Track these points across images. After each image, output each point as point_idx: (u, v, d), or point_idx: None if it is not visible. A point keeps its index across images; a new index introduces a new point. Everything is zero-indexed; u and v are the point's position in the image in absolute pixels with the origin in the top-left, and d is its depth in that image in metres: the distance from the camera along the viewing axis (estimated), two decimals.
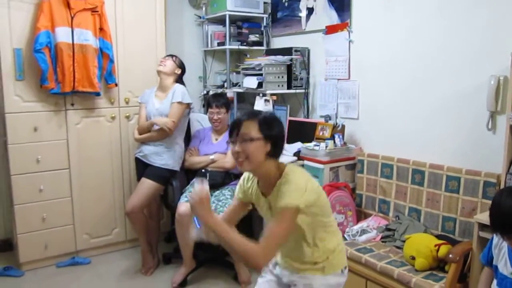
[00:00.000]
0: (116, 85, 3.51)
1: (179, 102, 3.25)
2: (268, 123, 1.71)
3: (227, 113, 3.45)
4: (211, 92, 4.22)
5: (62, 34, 3.17)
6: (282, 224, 1.62)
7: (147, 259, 3.39)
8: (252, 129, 1.69)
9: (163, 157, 3.29)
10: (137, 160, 3.41)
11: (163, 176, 3.29)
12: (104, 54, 3.40)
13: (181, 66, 3.40)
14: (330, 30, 3.55)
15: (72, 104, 3.39)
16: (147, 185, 3.24)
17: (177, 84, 3.36)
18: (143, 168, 3.32)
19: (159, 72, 3.30)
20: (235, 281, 3.22)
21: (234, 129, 1.73)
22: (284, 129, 1.84)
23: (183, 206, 3.03)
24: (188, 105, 3.36)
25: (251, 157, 1.68)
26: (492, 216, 1.87)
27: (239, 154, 1.70)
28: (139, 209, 3.22)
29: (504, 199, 1.81)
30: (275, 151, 1.74)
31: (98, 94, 3.42)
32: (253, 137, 1.68)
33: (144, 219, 3.33)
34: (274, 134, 1.72)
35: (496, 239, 2.00)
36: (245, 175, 1.93)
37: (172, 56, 3.37)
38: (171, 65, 3.31)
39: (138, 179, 3.35)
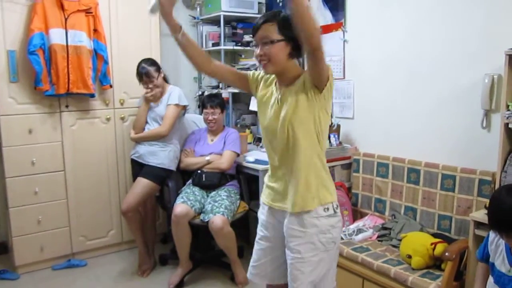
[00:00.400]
0: (111, 86, 3.50)
1: (176, 104, 3.28)
2: (288, 24, 1.67)
3: (222, 113, 3.44)
4: (206, 93, 4.22)
5: (56, 36, 3.15)
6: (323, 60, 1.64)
7: (144, 259, 3.38)
8: (272, 31, 1.70)
9: (159, 156, 3.30)
10: (133, 161, 3.41)
11: (159, 175, 3.29)
12: (99, 56, 3.39)
13: (159, 68, 3.35)
14: (325, 30, 3.56)
15: (67, 106, 3.38)
16: (143, 184, 3.24)
17: (172, 86, 3.38)
18: (139, 169, 3.32)
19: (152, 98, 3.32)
20: (232, 282, 3.21)
21: (256, 32, 1.74)
22: None
23: (179, 207, 3.03)
24: (184, 107, 3.38)
25: (273, 59, 1.71)
26: (490, 214, 1.87)
27: (262, 57, 1.72)
28: (134, 208, 3.21)
29: (503, 196, 1.82)
30: (297, 51, 1.75)
31: (92, 95, 3.40)
32: (274, 39, 1.69)
33: (140, 218, 3.33)
34: (295, 34, 1.66)
35: (492, 235, 2.01)
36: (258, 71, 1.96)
37: (149, 76, 3.24)
38: (158, 82, 3.29)
39: (134, 181, 3.35)
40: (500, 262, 1.94)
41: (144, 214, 3.44)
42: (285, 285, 1.96)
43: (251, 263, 2.03)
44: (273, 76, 1.88)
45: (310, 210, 1.79)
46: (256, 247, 2.01)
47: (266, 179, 1.98)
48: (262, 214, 1.99)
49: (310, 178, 1.79)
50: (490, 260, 2.00)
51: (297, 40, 1.69)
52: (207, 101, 3.41)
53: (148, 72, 3.23)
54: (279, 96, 1.81)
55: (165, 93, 3.34)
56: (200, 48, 2.10)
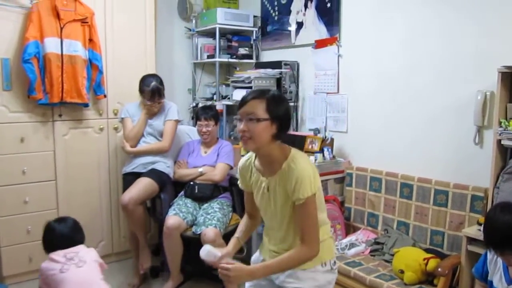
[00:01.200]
0: (105, 96, 3.48)
1: (176, 120, 3.36)
2: (276, 103, 1.68)
3: (216, 125, 3.44)
4: (200, 105, 4.22)
5: (51, 45, 3.14)
6: (310, 215, 1.68)
7: (145, 255, 3.31)
8: (259, 108, 1.67)
9: (159, 164, 3.32)
10: (127, 175, 3.34)
11: (161, 178, 3.26)
12: (93, 65, 3.38)
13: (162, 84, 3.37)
14: (319, 44, 3.59)
15: (60, 115, 3.35)
16: (146, 181, 3.19)
17: (168, 101, 3.41)
18: (134, 180, 3.24)
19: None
20: None
21: (242, 107, 1.71)
22: (290, 110, 1.80)
23: (171, 219, 3.00)
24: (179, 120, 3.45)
25: (256, 137, 1.67)
26: (485, 232, 1.87)
27: (245, 132, 1.68)
28: (136, 202, 3.11)
29: (496, 214, 1.83)
30: (281, 132, 1.71)
31: (86, 105, 3.39)
32: (260, 117, 1.66)
33: (142, 211, 3.22)
34: (281, 114, 1.68)
35: (490, 254, 2.00)
36: (241, 162, 1.93)
37: (160, 95, 3.30)
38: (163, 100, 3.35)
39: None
40: (497, 279, 1.94)
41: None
42: None
43: None
44: (251, 163, 1.86)
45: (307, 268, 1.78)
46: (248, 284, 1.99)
47: (265, 240, 1.94)
48: (256, 257, 1.99)
49: None
50: (489, 277, 1.98)
51: (283, 121, 1.70)
52: (201, 113, 3.40)
53: (160, 90, 3.27)
54: (266, 187, 1.78)
55: (163, 108, 3.36)
56: (249, 229, 2.07)
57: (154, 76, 3.34)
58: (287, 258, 1.69)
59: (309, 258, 1.69)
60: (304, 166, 1.69)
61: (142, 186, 3.17)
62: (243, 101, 1.71)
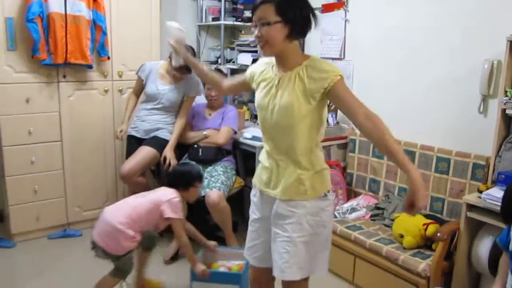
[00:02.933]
0: (109, 58, 3.46)
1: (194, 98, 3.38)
2: (286, 5, 1.65)
3: None
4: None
5: (55, 4, 3.10)
6: (349, 94, 1.66)
7: None
8: (269, 12, 1.65)
9: (163, 131, 3.31)
10: (130, 138, 3.36)
11: (164, 147, 3.24)
12: (97, 26, 3.35)
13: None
14: (327, 8, 3.54)
15: (64, 76, 3.35)
16: (147, 151, 3.20)
17: (194, 76, 3.29)
18: (136, 145, 3.27)
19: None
20: None
21: (254, 13, 1.70)
22: (310, 9, 1.71)
23: None
24: None
25: (270, 40, 1.66)
26: (502, 204, 1.86)
27: (260, 38, 1.69)
28: (135, 173, 3.15)
29: None
30: (296, 33, 1.69)
31: (90, 66, 3.38)
32: (270, 20, 1.64)
33: (142, 180, 3.24)
34: (292, 15, 1.65)
35: None
36: (262, 59, 1.93)
37: (186, 70, 3.16)
38: None
39: (127, 156, 3.29)
40: None
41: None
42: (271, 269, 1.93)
43: (246, 244, 2.01)
44: (272, 63, 1.84)
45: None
46: (249, 228, 2.00)
47: (262, 158, 1.92)
48: (254, 196, 1.97)
49: (305, 172, 1.75)
50: (510, 248, 1.92)
51: (296, 21, 1.66)
52: None
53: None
54: (276, 82, 1.76)
55: (187, 79, 3.30)
56: (211, 77, 2.19)
57: (189, 47, 3.17)
58: (388, 134, 1.60)
59: (381, 121, 1.63)
60: (326, 61, 1.71)
61: (142, 157, 3.17)
62: (254, 7, 1.70)
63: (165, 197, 2.43)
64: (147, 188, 3.31)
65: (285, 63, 1.74)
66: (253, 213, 1.97)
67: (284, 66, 1.75)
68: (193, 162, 3.18)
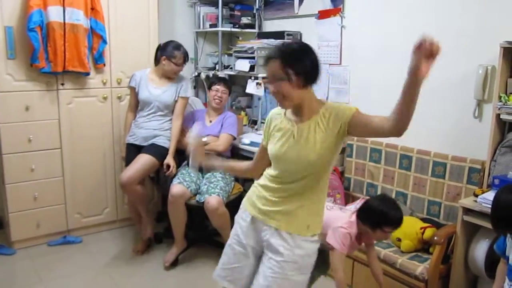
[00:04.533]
0: (104, 65, 3.50)
1: (187, 98, 3.41)
2: (291, 57, 1.65)
3: (228, 95, 3.51)
4: (202, 74, 4.24)
5: (54, 13, 3.13)
6: (367, 115, 1.68)
7: (145, 226, 3.40)
8: (277, 67, 1.65)
9: (160, 138, 3.33)
10: (129, 145, 3.38)
11: (162, 154, 3.27)
12: (96, 34, 3.38)
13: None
14: (323, 15, 3.58)
15: (62, 84, 3.37)
16: (146, 159, 3.21)
17: (183, 76, 3.41)
18: (135, 153, 3.29)
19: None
20: None
21: (265, 68, 1.72)
22: (315, 56, 1.71)
23: (175, 187, 3.07)
24: None
25: (287, 95, 1.66)
26: (491, 212, 1.88)
27: (276, 94, 1.69)
28: (135, 181, 3.16)
29: (501, 195, 1.82)
30: (309, 81, 1.69)
31: (87, 74, 3.40)
32: (282, 76, 1.64)
33: (141, 189, 3.26)
34: (301, 66, 1.65)
35: None
36: (273, 111, 1.91)
37: (187, 58, 3.38)
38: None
39: (127, 165, 3.30)
40: None
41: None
42: None
43: (219, 265, 1.97)
44: (282, 112, 1.83)
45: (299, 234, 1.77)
46: (228, 250, 1.95)
47: (258, 184, 1.89)
48: (242, 220, 1.92)
49: (309, 209, 1.78)
50: (506, 253, 1.97)
51: (307, 71, 1.65)
52: (218, 80, 3.46)
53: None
54: (295, 133, 1.73)
55: (176, 80, 3.37)
56: (240, 168, 2.15)
57: (174, 41, 3.35)
58: (405, 98, 1.64)
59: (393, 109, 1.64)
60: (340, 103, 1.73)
61: (141, 165, 3.18)
62: (265, 64, 1.71)
63: (337, 222, 2.21)
64: (145, 198, 3.35)
65: (303, 113, 1.74)
66: (238, 236, 1.91)
67: (301, 116, 1.74)
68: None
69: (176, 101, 3.36)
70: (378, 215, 2.12)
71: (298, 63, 1.64)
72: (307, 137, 1.70)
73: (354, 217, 2.22)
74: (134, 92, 3.38)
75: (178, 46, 3.29)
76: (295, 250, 1.76)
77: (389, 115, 1.58)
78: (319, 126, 1.70)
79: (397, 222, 2.15)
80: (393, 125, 1.58)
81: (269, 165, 1.87)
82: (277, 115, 1.86)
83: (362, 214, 2.19)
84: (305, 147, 1.70)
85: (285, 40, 3.50)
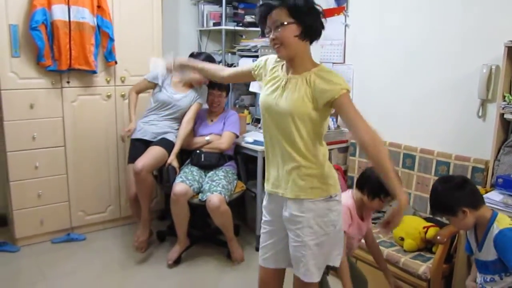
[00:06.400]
0: (116, 63, 3.51)
1: (201, 104, 3.44)
2: (298, 7, 1.71)
3: (226, 97, 3.52)
4: None
5: (59, 12, 3.14)
6: (352, 107, 1.73)
7: (144, 230, 3.37)
8: (282, 15, 1.71)
9: (170, 135, 3.35)
10: (136, 140, 3.37)
11: (171, 148, 3.27)
12: (104, 33, 3.39)
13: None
14: (327, 13, 3.50)
15: (68, 82, 3.38)
16: (157, 150, 3.22)
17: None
18: (143, 147, 3.28)
19: None
20: (227, 259, 3.30)
21: (265, 20, 1.76)
22: (321, 14, 1.80)
23: (178, 186, 3.08)
24: None
25: (285, 41, 1.72)
26: (430, 200, 2.03)
27: (274, 40, 1.75)
28: (148, 170, 3.15)
29: (435, 184, 1.98)
30: (309, 32, 1.75)
31: (94, 72, 3.41)
32: (284, 22, 1.70)
33: (152, 181, 3.25)
34: (305, 16, 1.71)
35: None
36: (270, 57, 1.97)
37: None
38: None
39: (132, 161, 3.27)
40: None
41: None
42: (282, 271, 2.03)
43: (260, 245, 2.06)
44: (282, 62, 1.89)
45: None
46: (261, 230, 2.05)
47: (267, 162, 1.97)
48: (265, 200, 2.02)
49: (308, 167, 1.80)
50: (473, 250, 2.03)
51: (309, 21, 1.72)
52: (215, 84, 3.45)
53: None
54: (284, 83, 1.81)
55: (194, 88, 3.43)
56: (208, 68, 2.25)
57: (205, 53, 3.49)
58: (383, 152, 1.71)
59: (379, 137, 1.73)
60: (335, 72, 1.77)
61: (154, 155, 3.19)
62: (265, 14, 1.76)
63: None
64: (153, 191, 3.36)
65: (296, 67, 1.80)
66: (264, 217, 2.02)
67: (293, 69, 1.81)
68: None
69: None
70: (377, 184, 1.98)
71: (304, 15, 1.71)
72: (293, 89, 1.77)
73: (348, 192, 2.23)
74: (149, 85, 3.41)
75: (209, 58, 3.35)
76: (306, 213, 1.81)
77: (366, 135, 1.71)
78: (307, 82, 1.75)
79: None
80: (360, 143, 1.75)
81: (235, 81, 2.01)
82: (276, 62, 1.93)
83: (361, 182, 2.17)
84: (289, 98, 1.76)
85: None
